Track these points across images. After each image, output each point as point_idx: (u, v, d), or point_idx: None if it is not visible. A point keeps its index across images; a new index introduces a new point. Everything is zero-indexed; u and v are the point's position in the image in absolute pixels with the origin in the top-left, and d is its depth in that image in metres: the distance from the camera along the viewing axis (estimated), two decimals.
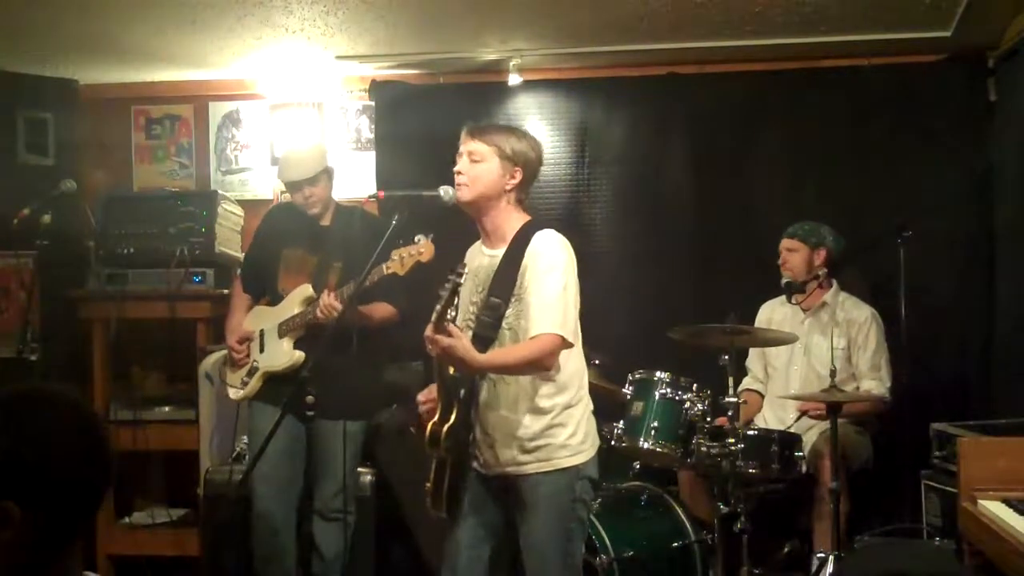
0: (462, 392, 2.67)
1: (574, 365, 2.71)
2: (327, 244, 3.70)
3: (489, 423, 2.70)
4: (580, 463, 2.68)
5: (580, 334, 2.72)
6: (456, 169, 2.70)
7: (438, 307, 2.44)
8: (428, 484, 2.74)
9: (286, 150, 3.89)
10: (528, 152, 2.73)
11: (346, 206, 3.88)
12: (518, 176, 2.71)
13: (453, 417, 2.64)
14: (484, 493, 2.76)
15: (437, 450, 2.67)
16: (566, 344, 2.59)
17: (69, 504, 1.42)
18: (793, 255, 4.02)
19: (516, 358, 2.60)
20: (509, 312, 2.64)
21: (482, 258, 2.76)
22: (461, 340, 2.48)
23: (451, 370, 2.65)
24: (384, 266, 3.08)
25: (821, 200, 4.41)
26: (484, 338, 2.65)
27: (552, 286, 2.58)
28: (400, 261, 2.94)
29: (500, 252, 2.70)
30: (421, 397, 2.79)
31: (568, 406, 2.68)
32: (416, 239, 2.88)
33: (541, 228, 2.69)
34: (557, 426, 2.66)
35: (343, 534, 3.63)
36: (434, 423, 2.66)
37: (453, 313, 2.46)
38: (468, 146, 2.71)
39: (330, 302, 3.39)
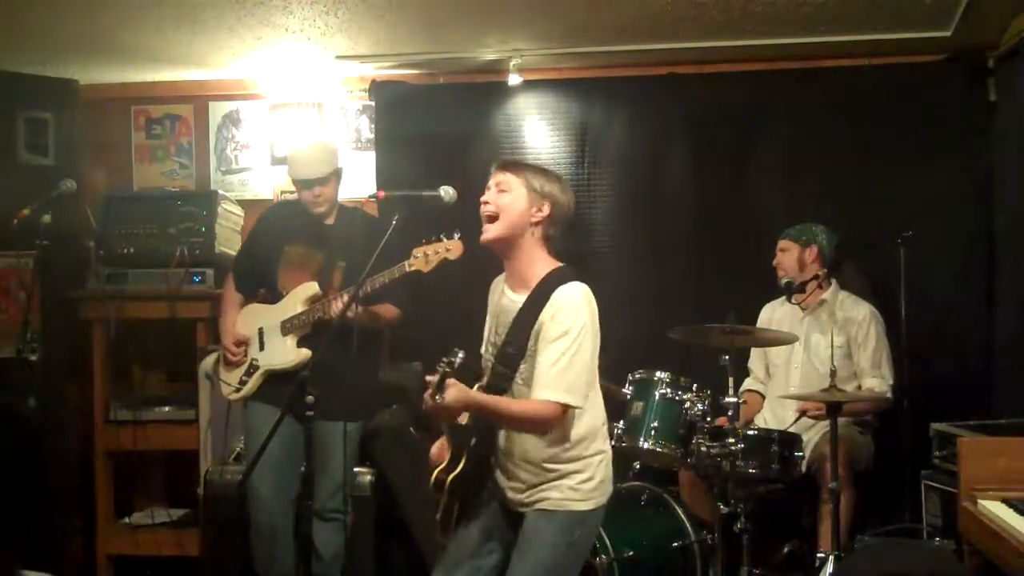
0: (472, 441, 2.65)
1: (589, 420, 2.65)
2: (332, 243, 3.69)
3: (505, 469, 2.70)
4: (586, 509, 2.63)
5: (597, 381, 2.67)
6: (483, 199, 2.65)
7: (433, 386, 2.40)
8: (437, 515, 2.74)
9: (298, 147, 3.83)
10: (558, 193, 2.66)
11: (348, 206, 3.88)
12: (545, 210, 2.63)
13: (461, 467, 2.63)
14: (500, 514, 2.75)
15: (441, 495, 2.68)
16: (568, 409, 2.55)
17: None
18: (785, 255, 4.06)
19: (512, 412, 2.57)
20: (523, 366, 2.60)
21: (505, 299, 2.70)
22: (455, 389, 2.42)
23: (463, 419, 2.64)
24: (406, 264, 3.07)
25: (821, 200, 4.41)
26: (498, 388, 2.63)
27: (561, 350, 2.52)
28: (424, 258, 2.92)
29: (522, 298, 2.63)
30: (434, 451, 2.78)
31: (582, 456, 2.64)
32: (441, 237, 2.86)
33: (567, 279, 2.60)
34: (568, 471, 2.62)
35: (342, 534, 3.63)
36: (440, 471, 2.67)
37: (440, 398, 2.42)
38: (496, 178, 2.66)
39: (342, 303, 3.38)
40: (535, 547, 2.62)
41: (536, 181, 2.64)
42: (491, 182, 2.67)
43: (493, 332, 2.72)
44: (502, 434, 2.68)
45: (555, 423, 2.55)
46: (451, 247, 2.90)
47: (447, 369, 2.40)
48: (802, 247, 4.04)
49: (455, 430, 2.68)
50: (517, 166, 2.70)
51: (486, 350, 2.76)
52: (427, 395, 2.41)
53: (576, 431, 2.62)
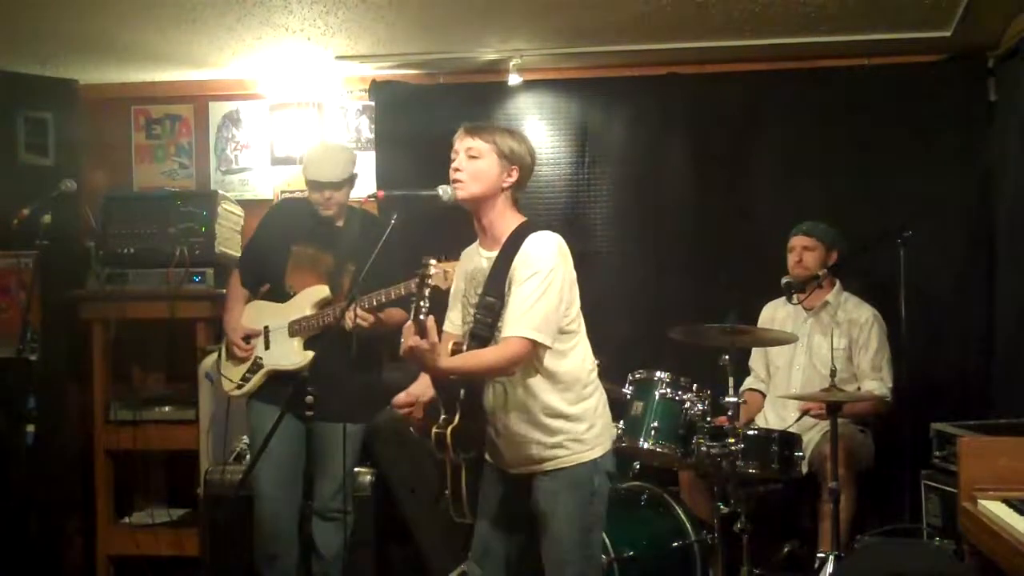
0: (461, 392, 2.66)
1: (576, 361, 2.71)
2: (342, 246, 3.67)
3: (503, 425, 2.70)
4: (597, 457, 2.69)
5: (583, 327, 2.73)
6: (454, 166, 2.70)
7: (413, 307, 2.41)
8: (447, 492, 2.71)
9: (317, 148, 3.79)
10: (524, 154, 2.73)
11: (353, 207, 3.85)
12: (514, 175, 2.71)
13: (457, 418, 2.63)
14: (506, 488, 2.77)
15: (447, 454, 2.65)
16: (538, 347, 2.58)
17: None
18: (810, 253, 4.01)
19: (480, 363, 2.60)
20: (503, 313, 2.64)
21: (479, 260, 2.77)
22: (429, 342, 2.42)
23: None
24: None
25: (821, 200, 4.40)
26: (481, 338, 2.66)
27: (529, 290, 2.57)
28: (444, 276, 2.93)
29: (495, 254, 2.70)
30: (399, 399, 2.78)
31: (579, 400, 2.69)
32: (461, 255, 2.87)
33: (536, 230, 2.68)
34: (572, 422, 2.67)
35: (342, 534, 3.63)
36: (438, 426, 2.65)
37: (426, 306, 2.41)
38: (465, 143, 2.71)
39: (363, 315, 3.37)
40: (561, 508, 2.66)
41: (505, 145, 2.69)
42: (459, 146, 2.71)
43: (471, 294, 2.75)
44: (491, 391, 2.69)
45: (524, 360, 2.58)
46: None
47: (418, 286, 2.39)
48: (827, 248, 4.01)
49: (443, 384, 2.67)
50: (486, 130, 2.73)
51: (466, 312, 2.78)
52: (406, 329, 2.40)
53: (566, 375, 2.66)
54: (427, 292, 2.42)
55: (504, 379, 2.67)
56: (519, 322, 2.55)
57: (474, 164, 2.68)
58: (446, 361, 2.54)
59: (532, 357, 2.60)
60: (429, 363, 2.46)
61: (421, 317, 2.39)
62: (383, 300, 3.34)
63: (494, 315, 2.65)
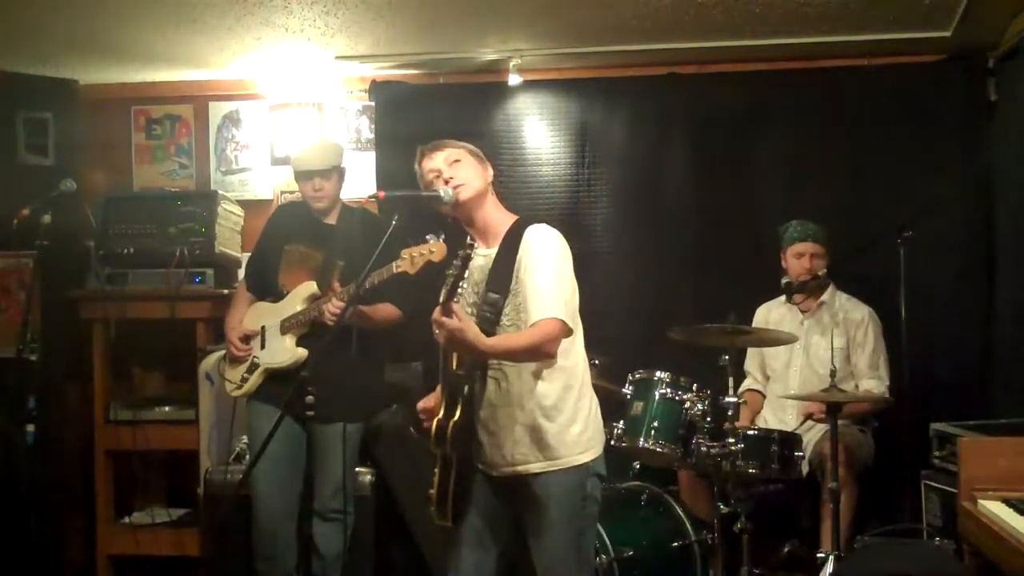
0: (465, 389, 2.65)
1: (575, 357, 2.71)
2: (331, 242, 3.71)
3: (495, 422, 2.68)
4: (590, 460, 2.69)
5: (580, 326, 2.74)
6: (444, 177, 2.70)
7: (446, 287, 2.40)
8: (432, 491, 2.68)
9: (302, 144, 3.86)
10: (484, 154, 2.82)
11: (350, 206, 3.89)
12: (490, 170, 2.79)
13: (458, 414, 2.61)
14: (490, 493, 2.75)
15: (443, 447, 2.62)
16: (567, 329, 2.59)
17: None
18: (820, 260, 3.99)
19: (521, 343, 2.58)
20: (507, 308, 2.65)
21: (476, 258, 2.75)
22: (469, 323, 2.46)
23: (454, 366, 2.63)
24: (394, 264, 3.09)
25: (821, 200, 4.40)
26: (485, 333, 2.63)
27: (547, 274, 2.60)
28: (410, 260, 2.94)
29: (494, 251, 2.71)
30: (420, 405, 2.78)
31: (575, 401, 2.69)
32: (427, 238, 2.88)
33: (532, 224, 2.71)
34: (565, 423, 2.66)
35: (342, 534, 3.63)
36: (439, 419, 2.62)
37: (462, 290, 2.42)
38: (439, 155, 2.73)
39: (335, 306, 3.40)
40: (554, 512, 2.64)
41: (471, 148, 2.79)
42: (434, 164, 2.73)
43: (469, 293, 2.74)
44: (488, 387, 2.68)
45: (559, 341, 2.58)
46: (434, 249, 2.91)
47: (459, 269, 2.39)
48: (826, 251, 4.01)
49: (449, 376, 2.66)
50: (447, 141, 2.79)
51: (463, 311, 2.75)
52: (435, 316, 2.40)
53: (564, 369, 2.67)
54: (464, 278, 2.41)
55: (501, 375, 2.66)
56: (544, 305, 2.57)
57: (460, 167, 2.72)
58: (489, 340, 2.53)
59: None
60: (470, 342, 2.44)
61: (453, 304, 2.39)
62: (366, 287, 3.34)
63: (497, 311, 2.65)
